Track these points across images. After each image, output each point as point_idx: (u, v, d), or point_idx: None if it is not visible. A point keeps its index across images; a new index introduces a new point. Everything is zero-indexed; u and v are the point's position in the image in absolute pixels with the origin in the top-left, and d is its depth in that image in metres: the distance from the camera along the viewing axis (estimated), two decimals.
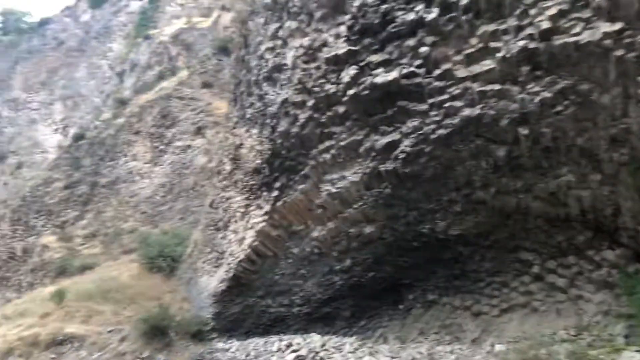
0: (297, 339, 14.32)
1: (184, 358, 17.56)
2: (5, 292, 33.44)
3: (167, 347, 18.39)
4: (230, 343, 16.92)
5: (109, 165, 34.29)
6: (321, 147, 11.92)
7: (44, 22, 71.99)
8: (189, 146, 31.02)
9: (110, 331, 19.82)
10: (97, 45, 60.71)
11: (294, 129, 12.31)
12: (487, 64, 8.59)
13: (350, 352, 12.90)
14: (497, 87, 8.60)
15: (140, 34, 52.23)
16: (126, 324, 20.04)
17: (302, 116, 11.94)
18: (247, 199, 15.91)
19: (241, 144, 15.97)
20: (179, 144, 31.53)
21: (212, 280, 18.76)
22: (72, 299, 22.48)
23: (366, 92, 10.20)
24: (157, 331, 18.47)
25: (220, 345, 17.33)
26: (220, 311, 18.19)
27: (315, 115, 11.62)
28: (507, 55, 8.24)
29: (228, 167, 17.73)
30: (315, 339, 13.99)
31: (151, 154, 32.81)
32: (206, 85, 34.28)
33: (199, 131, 31.35)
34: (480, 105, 8.88)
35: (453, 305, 12.46)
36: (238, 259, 16.29)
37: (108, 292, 22.81)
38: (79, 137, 38.73)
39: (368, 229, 12.32)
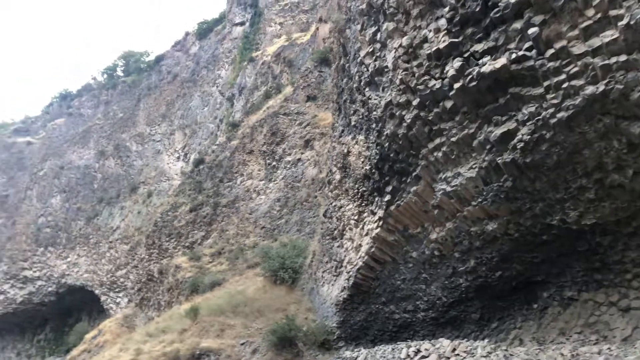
0: (425, 345, 13.91)
1: None
2: (147, 311, 36.29)
3: (296, 358, 18.74)
4: (358, 351, 16.83)
5: (227, 186, 36.13)
6: (431, 145, 11.55)
7: (159, 59, 78.03)
8: (299, 160, 31.72)
9: (242, 344, 20.60)
10: (207, 73, 64.56)
11: (401, 131, 12.06)
12: (609, 35, 7.83)
13: (483, 357, 12.26)
14: (623, 58, 7.80)
15: (245, 58, 54.70)
16: (256, 336, 20.74)
17: (408, 116, 11.67)
18: (359, 205, 15.85)
19: (349, 152, 15.97)
20: (289, 158, 32.38)
21: (334, 289, 18.87)
22: (205, 314, 23.70)
23: (474, 83, 9.73)
24: (285, 342, 18.90)
25: (348, 353, 17.32)
26: (344, 319, 18.22)
27: (422, 113, 11.30)
28: (632, 22, 7.45)
29: (338, 176, 17.81)
30: (444, 344, 13.49)
31: (265, 171, 34.02)
32: (310, 98, 34.95)
33: (307, 144, 31.98)
34: (605, 81, 8.10)
35: (596, 302, 11.41)
36: (357, 267, 16.24)
37: (237, 306, 23.74)
38: (198, 162, 41.30)
39: (490, 226, 11.69)
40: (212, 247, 32.46)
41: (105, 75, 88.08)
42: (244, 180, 35.16)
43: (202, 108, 61.78)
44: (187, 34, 76.41)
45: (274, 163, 33.35)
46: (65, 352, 50.27)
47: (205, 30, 72.38)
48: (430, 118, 11.16)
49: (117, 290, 59.36)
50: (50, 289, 67.54)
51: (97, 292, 62.05)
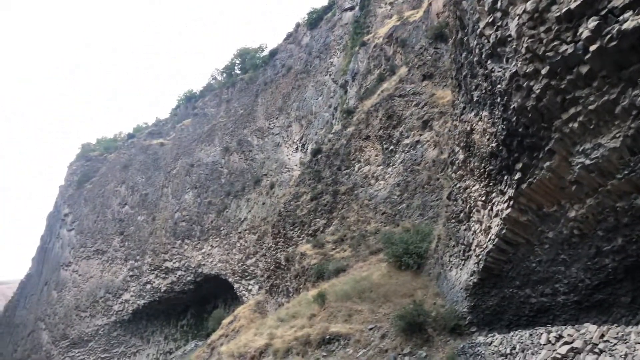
0: (568, 330, 12.99)
1: (444, 353, 17.45)
2: (276, 297, 37.87)
3: (426, 343, 18.53)
4: (492, 337, 16.21)
5: (345, 173, 36.39)
6: (565, 116, 10.65)
7: (273, 53, 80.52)
8: (417, 142, 31.03)
9: (371, 329, 20.79)
10: (320, 63, 65.44)
11: (530, 103, 11.25)
12: None
13: (638, 343, 11.17)
14: None
15: (356, 43, 54.48)
16: (384, 321, 20.80)
17: (537, 87, 10.84)
18: (486, 186, 15.12)
19: (472, 130, 15.28)
20: (407, 141, 31.80)
21: (462, 274, 18.31)
22: (332, 300, 24.22)
23: (614, 43, 8.79)
24: (414, 327, 18.77)
25: (481, 339, 16.75)
26: (475, 304, 17.61)
27: (553, 82, 10.44)
28: None
29: (461, 156, 17.15)
30: (590, 330, 12.49)
31: (382, 156, 33.74)
32: (426, 77, 33.92)
33: (425, 125, 31.20)
34: None
35: None
36: (487, 250, 15.57)
37: (363, 291, 23.97)
38: (316, 152, 42.03)
39: None
40: (334, 234, 32.92)
41: (224, 75, 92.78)
42: (361, 167, 35.15)
43: (316, 98, 62.83)
44: (297, 25, 77.86)
45: (392, 147, 32.92)
46: (205, 337, 54.13)
47: (315, 20, 73.24)
48: (562, 86, 10.28)
49: (248, 278, 62.69)
50: (189, 278, 73.16)
51: (230, 280, 66.02)
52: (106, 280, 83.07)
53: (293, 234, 37.14)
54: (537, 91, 10.89)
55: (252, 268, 61.42)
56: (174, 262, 74.65)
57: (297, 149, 62.89)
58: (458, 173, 17.90)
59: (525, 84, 11.18)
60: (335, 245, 31.18)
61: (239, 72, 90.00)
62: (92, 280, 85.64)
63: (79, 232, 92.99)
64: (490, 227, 15.23)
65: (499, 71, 12.18)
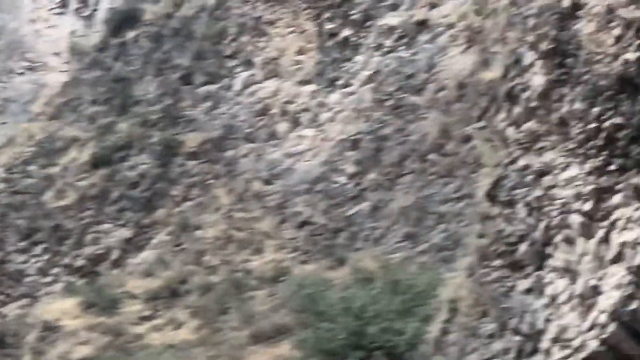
0: None
1: None
2: None
3: None
4: None
5: (206, 95, 16.23)
6: None
7: None
8: (420, 24, 12.43)
9: None
10: None
11: None
12: None
13: None
14: None
15: None
16: None
17: None
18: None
19: None
20: (392, 21, 12.89)
21: None
22: None
23: None
24: None
25: None
26: None
27: None
28: None
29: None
30: None
31: (317, 56, 14.49)
32: None
33: None
34: None
35: None
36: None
37: None
38: (120, 21, 20.24)
39: None
40: (150, 274, 14.77)
41: None
42: (254, 80, 15.97)
43: None
44: None
45: (347, 32, 13.85)
46: None
47: None
48: None
49: None
50: None
51: None
52: None
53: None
54: None
55: None
56: None
57: (63, 4, 26.87)
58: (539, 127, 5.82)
59: None
60: (151, 308, 13.79)
61: None
62: None
63: None
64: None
65: None
